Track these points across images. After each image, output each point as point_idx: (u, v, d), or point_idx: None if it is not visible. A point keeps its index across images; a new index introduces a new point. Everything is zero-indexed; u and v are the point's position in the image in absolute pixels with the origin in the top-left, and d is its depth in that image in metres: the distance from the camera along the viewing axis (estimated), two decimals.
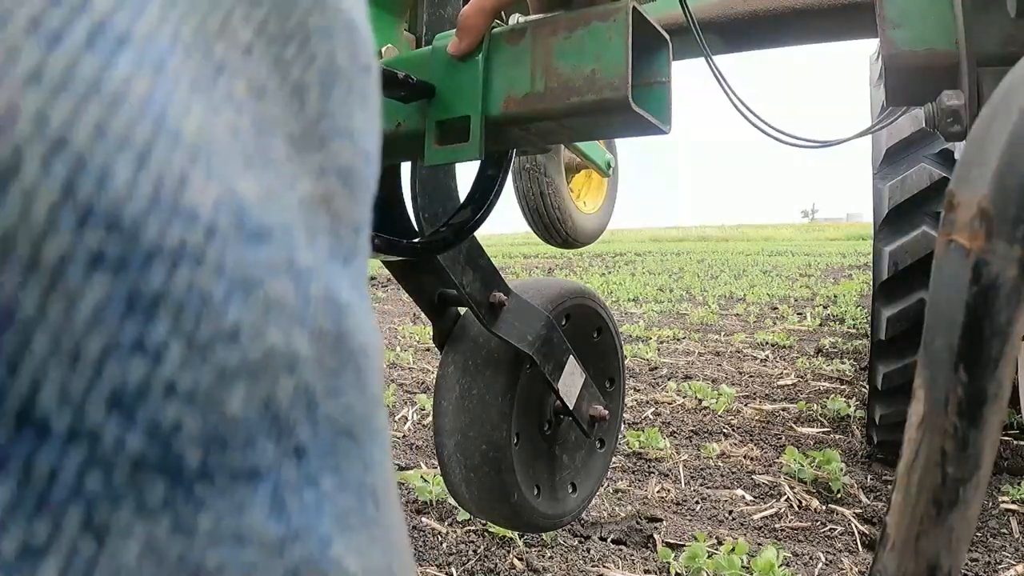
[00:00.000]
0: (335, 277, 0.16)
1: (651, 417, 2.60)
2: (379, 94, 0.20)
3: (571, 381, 1.05)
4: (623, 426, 1.90)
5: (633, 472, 2.07)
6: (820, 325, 4.71)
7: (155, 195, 0.12)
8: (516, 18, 0.66)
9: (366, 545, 0.16)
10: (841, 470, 1.93)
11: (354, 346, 0.16)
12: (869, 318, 2.45)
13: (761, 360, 3.60)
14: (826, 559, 1.53)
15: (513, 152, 0.89)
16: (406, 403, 2.72)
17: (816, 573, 1.48)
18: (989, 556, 1.54)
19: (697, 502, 1.84)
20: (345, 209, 0.17)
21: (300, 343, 0.14)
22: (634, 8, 0.58)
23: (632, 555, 1.55)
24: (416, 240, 0.82)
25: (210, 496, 0.13)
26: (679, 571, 1.44)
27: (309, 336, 0.15)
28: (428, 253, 0.85)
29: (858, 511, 1.78)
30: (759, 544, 1.58)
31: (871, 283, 2.08)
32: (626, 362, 2.65)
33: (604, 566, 1.49)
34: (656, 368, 3.42)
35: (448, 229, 0.85)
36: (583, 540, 1.62)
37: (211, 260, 0.13)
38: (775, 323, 4.83)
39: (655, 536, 1.62)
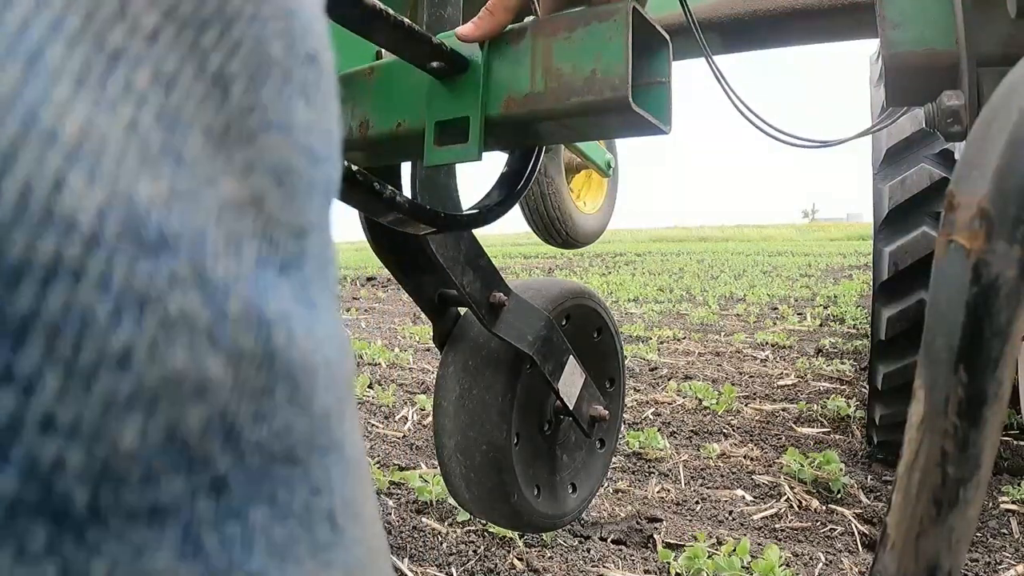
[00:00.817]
0: (265, 288, 0.14)
1: (651, 417, 2.60)
2: (332, 88, 0.18)
3: (571, 381, 1.05)
4: (623, 426, 1.91)
5: (633, 472, 2.06)
6: (820, 325, 4.71)
7: (22, 203, 0.11)
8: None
9: (318, 572, 0.15)
10: (841, 470, 1.93)
11: (289, 362, 0.14)
12: (869, 318, 2.45)
13: (761, 360, 3.60)
14: (826, 559, 1.53)
15: None
16: (406, 403, 2.72)
17: (816, 573, 1.48)
18: (989, 556, 1.54)
19: (697, 502, 1.84)
20: (281, 212, 0.15)
21: (213, 365, 0.13)
22: (634, 8, 0.58)
23: (632, 555, 1.55)
24: (442, 211, 0.81)
25: (104, 540, 0.12)
26: (679, 571, 1.44)
27: (225, 356, 0.13)
28: (451, 228, 0.83)
29: (858, 511, 1.78)
30: (759, 544, 1.58)
31: (871, 283, 2.08)
32: (626, 362, 2.66)
33: (604, 566, 1.49)
34: (656, 368, 3.42)
35: (480, 211, 0.85)
36: (583, 540, 1.62)
37: (93, 275, 0.11)
38: (775, 323, 4.83)
39: (655, 536, 1.62)
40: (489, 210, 0.84)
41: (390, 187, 0.72)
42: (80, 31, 0.12)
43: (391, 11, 0.59)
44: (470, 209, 0.86)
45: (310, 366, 0.15)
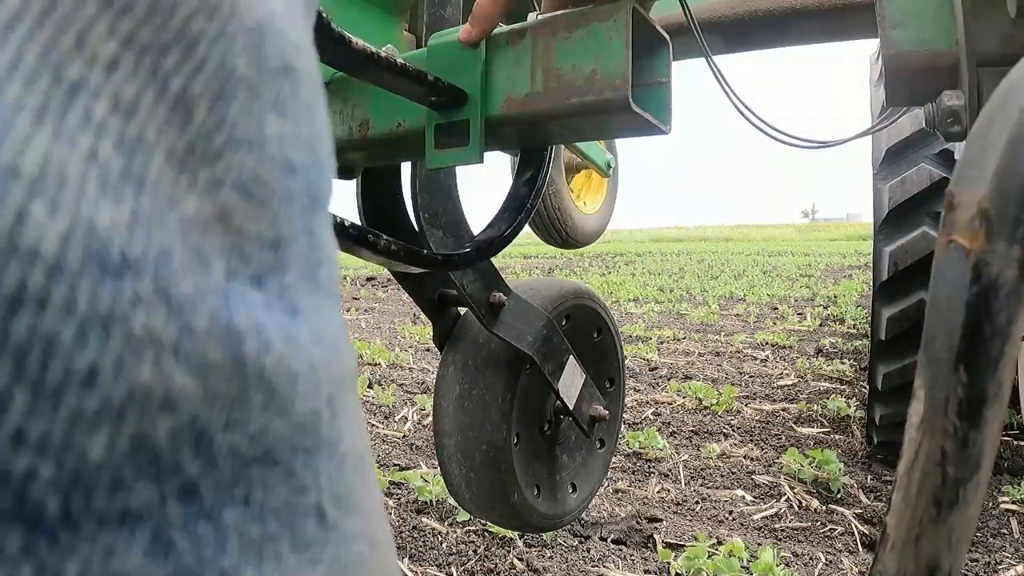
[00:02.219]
0: (236, 300, 0.15)
1: (651, 417, 2.60)
2: (313, 97, 0.18)
3: (571, 381, 1.05)
4: (623, 426, 1.91)
5: (633, 472, 2.07)
6: (820, 325, 4.71)
7: None
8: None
9: (305, 567, 0.16)
10: (841, 470, 1.93)
11: (262, 370, 0.15)
12: (869, 318, 2.45)
13: (761, 360, 3.60)
14: (826, 559, 1.53)
15: (549, 164, 0.87)
16: (406, 403, 2.72)
17: (816, 573, 1.48)
18: (989, 556, 1.54)
19: (697, 502, 1.84)
20: (252, 224, 0.16)
21: (179, 378, 0.13)
22: (634, 8, 0.58)
23: (632, 555, 1.55)
24: (439, 254, 0.81)
25: (77, 542, 0.12)
26: (679, 571, 1.44)
27: (192, 369, 0.14)
28: (450, 268, 0.84)
29: (858, 511, 1.78)
30: (759, 544, 1.58)
31: (871, 283, 2.08)
32: (626, 362, 2.66)
33: (604, 566, 1.49)
34: (656, 368, 3.42)
35: (474, 246, 0.84)
36: (583, 540, 1.62)
37: (57, 301, 0.12)
38: (775, 323, 4.83)
39: (655, 536, 1.62)
40: (490, 243, 0.84)
41: (384, 236, 0.72)
42: (38, 67, 0.12)
43: (382, 52, 0.59)
44: (468, 244, 0.86)
45: (289, 371, 0.15)
